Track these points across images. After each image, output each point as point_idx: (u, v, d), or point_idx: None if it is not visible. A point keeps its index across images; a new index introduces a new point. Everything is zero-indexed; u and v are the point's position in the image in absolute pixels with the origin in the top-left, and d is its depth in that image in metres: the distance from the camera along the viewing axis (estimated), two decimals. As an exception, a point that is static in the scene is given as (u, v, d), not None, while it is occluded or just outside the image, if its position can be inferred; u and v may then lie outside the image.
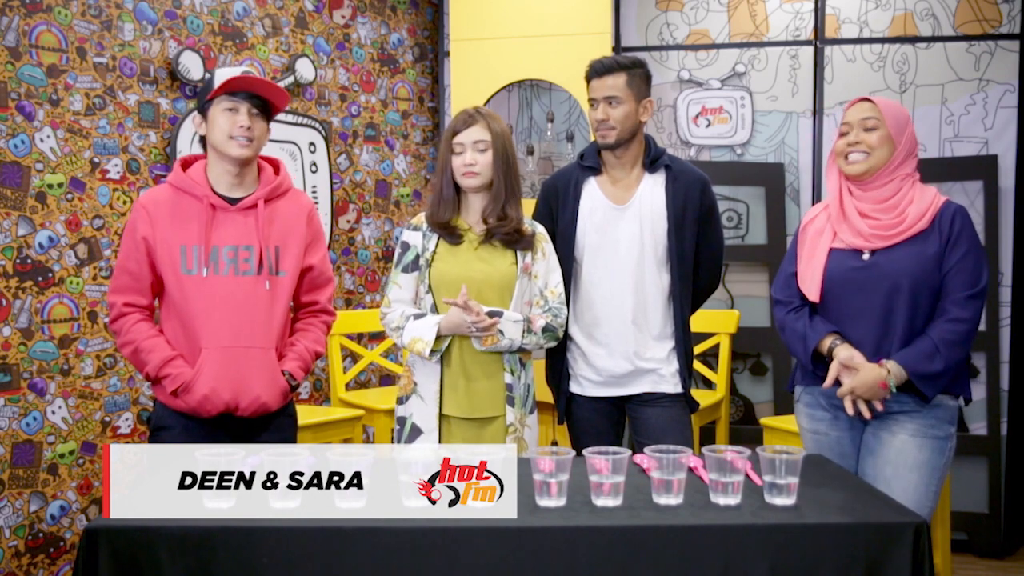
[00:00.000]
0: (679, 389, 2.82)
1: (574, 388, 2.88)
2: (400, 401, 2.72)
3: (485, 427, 2.63)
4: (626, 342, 2.79)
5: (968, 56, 4.03)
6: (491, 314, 2.55)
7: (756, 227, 4.24)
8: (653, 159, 2.82)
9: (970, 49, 4.03)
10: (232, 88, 2.47)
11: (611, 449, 1.96)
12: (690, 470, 2.09)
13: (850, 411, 2.40)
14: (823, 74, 4.15)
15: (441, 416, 2.63)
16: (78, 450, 3.24)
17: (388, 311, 2.70)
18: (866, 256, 2.44)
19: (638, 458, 2.22)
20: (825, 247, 2.49)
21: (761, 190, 4.21)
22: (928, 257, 2.39)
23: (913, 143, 2.48)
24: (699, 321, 4.04)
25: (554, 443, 3.84)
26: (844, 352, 2.41)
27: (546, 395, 2.93)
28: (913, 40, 4.09)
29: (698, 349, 3.99)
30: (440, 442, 2.62)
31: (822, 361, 2.49)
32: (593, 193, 2.84)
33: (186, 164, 2.58)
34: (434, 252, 2.65)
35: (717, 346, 3.97)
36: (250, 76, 2.48)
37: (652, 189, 2.81)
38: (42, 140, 3.13)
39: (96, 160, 3.30)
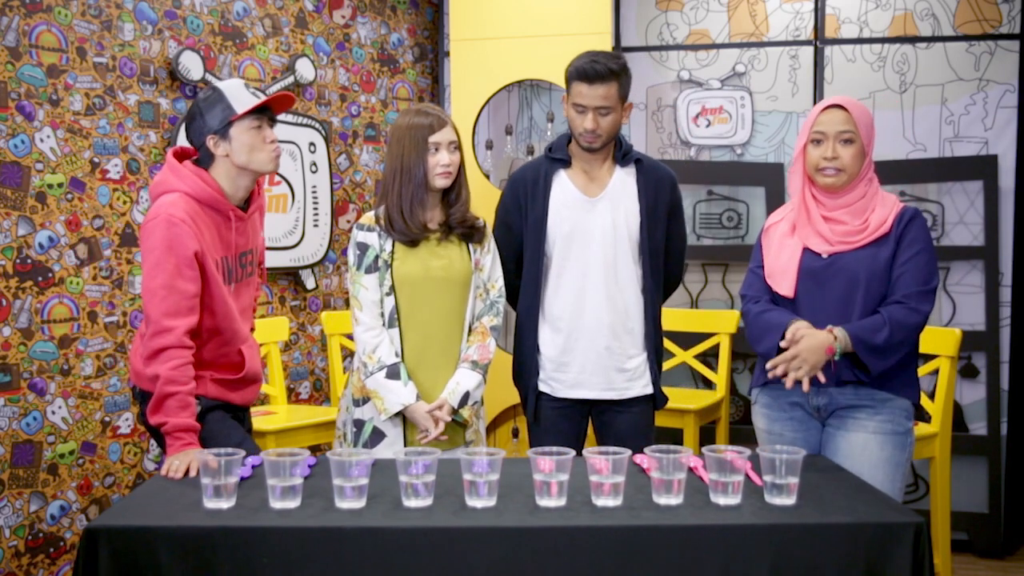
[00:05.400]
0: (649, 390, 2.82)
1: (543, 388, 2.84)
2: (357, 404, 2.65)
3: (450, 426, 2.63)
4: (598, 337, 2.76)
5: (968, 56, 4.03)
6: (462, 401, 2.59)
7: (756, 227, 4.23)
8: (624, 153, 2.81)
9: (970, 49, 4.03)
10: (261, 107, 2.43)
11: (611, 449, 1.96)
12: (690, 470, 2.09)
13: (789, 385, 2.34)
14: (823, 74, 4.15)
15: (405, 420, 2.61)
16: (78, 450, 3.24)
17: (363, 326, 2.61)
18: (824, 255, 2.45)
19: (638, 458, 2.22)
20: (797, 245, 2.49)
21: (761, 190, 4.21)
22: (881, 260, 2.41)
23: (873, 144, 2.50)
24: (699, 321, 4.06)
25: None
26: (792, 326, 2.38)
27: (514, 397, 2.86)
28: (913, 40, 4.09)
29: (698, 349, 4.00)
30: (405, 443, 2.60)
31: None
32: (564, 185, 2.81)
33: (180, 156, 2.49)
34: (392, 252, 2.62)
35: (717, 346, 3.97)
36: (277, 96, 2.48)
37: (624, 182, 2.80)
38: (42, 140, 3.13)
39: (96, 160, 3.30)
